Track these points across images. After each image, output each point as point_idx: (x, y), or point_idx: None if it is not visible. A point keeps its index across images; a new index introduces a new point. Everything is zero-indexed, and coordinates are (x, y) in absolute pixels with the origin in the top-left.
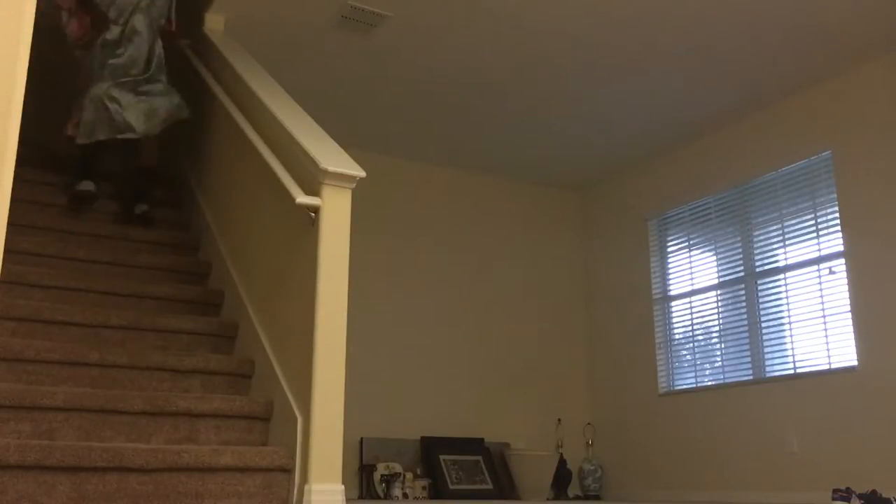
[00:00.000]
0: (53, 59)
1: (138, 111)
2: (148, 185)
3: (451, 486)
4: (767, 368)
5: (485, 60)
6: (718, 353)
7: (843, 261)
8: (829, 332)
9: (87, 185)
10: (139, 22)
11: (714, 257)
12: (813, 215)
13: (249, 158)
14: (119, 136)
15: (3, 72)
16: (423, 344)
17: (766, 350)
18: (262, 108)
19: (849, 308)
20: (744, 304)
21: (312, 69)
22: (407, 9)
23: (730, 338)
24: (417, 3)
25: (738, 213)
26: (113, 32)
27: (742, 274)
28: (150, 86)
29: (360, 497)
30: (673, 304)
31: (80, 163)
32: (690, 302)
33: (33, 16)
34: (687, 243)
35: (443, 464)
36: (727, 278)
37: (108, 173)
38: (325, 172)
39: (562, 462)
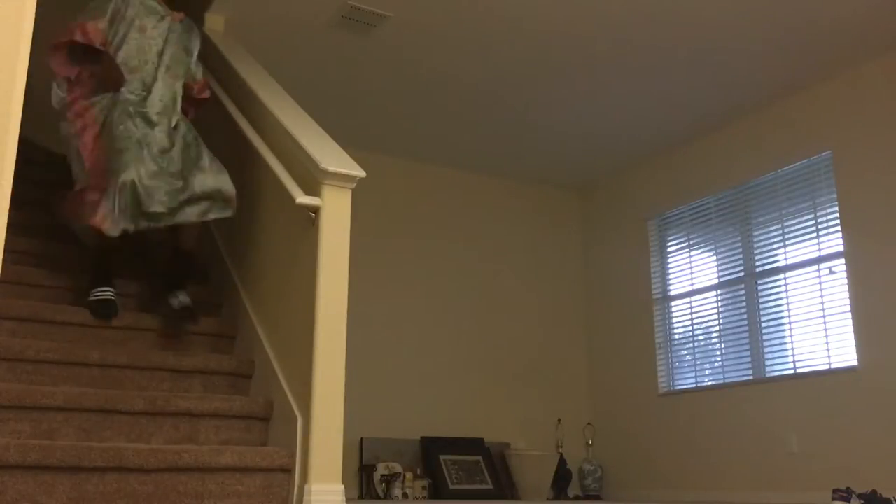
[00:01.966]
0: None
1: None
2: (184, 270)
3: (451, 486)
4: (767, 368)
5: (485, 60)
6: (718, 353)
7: (843, 261)
8: (829, 332)
9: (106, 293)
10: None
11: (714, 257)
12: (813, 215)
13: (249, 158)
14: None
15: (3, 71)
16: (424, 344)
17: (766, 350)
18: (262, 108)
19: (849, 308)
20: (744, 304)
21: (312, 69)
22: (407, 9)
23: (730, 338)
24: (417, 3)
25: (738, 213)
26: (133, 91)
27: (742, 274)
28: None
29: (360, 497)
30: (673, 304)
31: (99, 260)
32: (690, 302)
33: (33, 15)
34: (687, 243)
35: (443, 464)
36: (727, 278)
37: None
38: (325, 172)
39: (562, 462)
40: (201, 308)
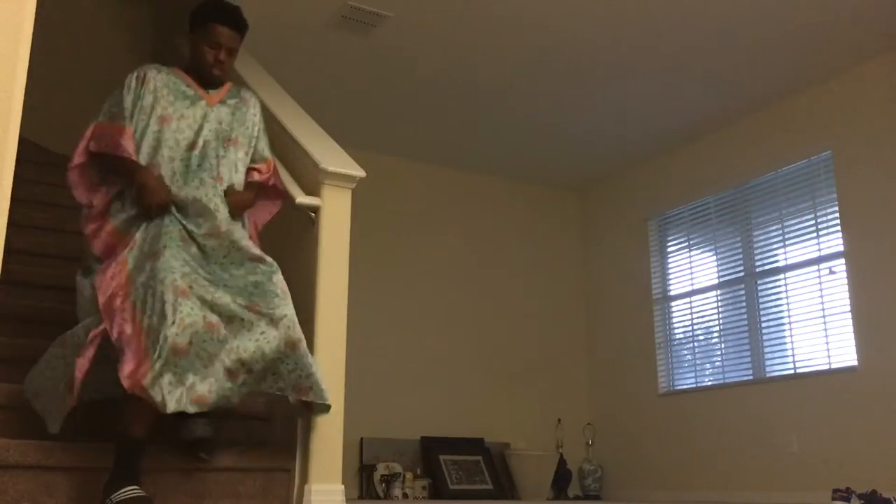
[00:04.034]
0: None
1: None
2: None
3: (451, 486)
4: (767, 368)
5: (485, 60)
6: (718, 352)
7: (843, 261)
8: (829, 332)
9: (136, 491)
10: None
11: (714, 257)
12: (813, 215)
13: None
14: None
15: (3, 71)
16: (423, 344)
17: (766, 350)
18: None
19: (849, 308)
20: (744, 304)
21: (312, 69)
22: (407, 9)
23: (730, 338)
24: (417, 3)
25: (738, 213)
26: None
27: (742, 274)
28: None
29: (360, 497)
30: (673, 304)
31: (128, 449)
32: (690, 302)
33: (33, 16)
34: (687, 243)
35: (443, 464)
36: (727, 278)
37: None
38: (325, 172)
39: (562, 462)
40: None
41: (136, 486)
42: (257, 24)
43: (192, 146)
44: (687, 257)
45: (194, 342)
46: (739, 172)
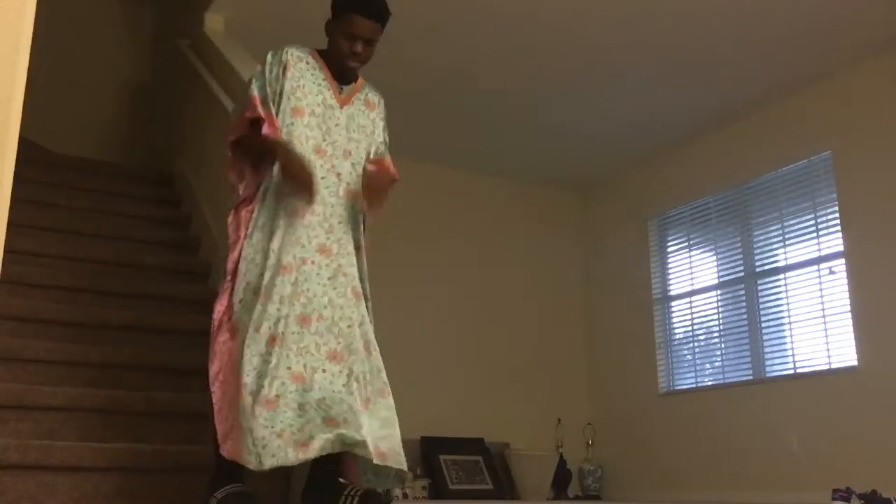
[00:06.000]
0: None
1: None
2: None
3: (451, 486)
4: (767, 368)
5: (485, 60)
6: (718, 352)
7: (843, 261)
8: (829, 332)
9: (238, 487)
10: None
11: (714, 257)
12: (813, 215)
13: None
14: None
15: (3, 73)
16: (423, 344)
17: (766, 350)
18: None
19: (849, 308)
20: (744, 304)
21: None
22: (407, 8)
23: (730, 338)
24: (417, 1)
25: (738, 213)
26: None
27: (742, 274)
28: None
29: None
30: (673, 304)
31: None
32: (690, 302)
33: (33, 16)
34: (687, 243)
35: (443, 464)
36: (727, 278)
37: None
38: None
39: (562, 462)
40: (203, 308)
41: (238, 483)
42: (258, 24)
43: (318, 150)
44: (687, 257)
45: (281, 394)
46: (739, 172)
